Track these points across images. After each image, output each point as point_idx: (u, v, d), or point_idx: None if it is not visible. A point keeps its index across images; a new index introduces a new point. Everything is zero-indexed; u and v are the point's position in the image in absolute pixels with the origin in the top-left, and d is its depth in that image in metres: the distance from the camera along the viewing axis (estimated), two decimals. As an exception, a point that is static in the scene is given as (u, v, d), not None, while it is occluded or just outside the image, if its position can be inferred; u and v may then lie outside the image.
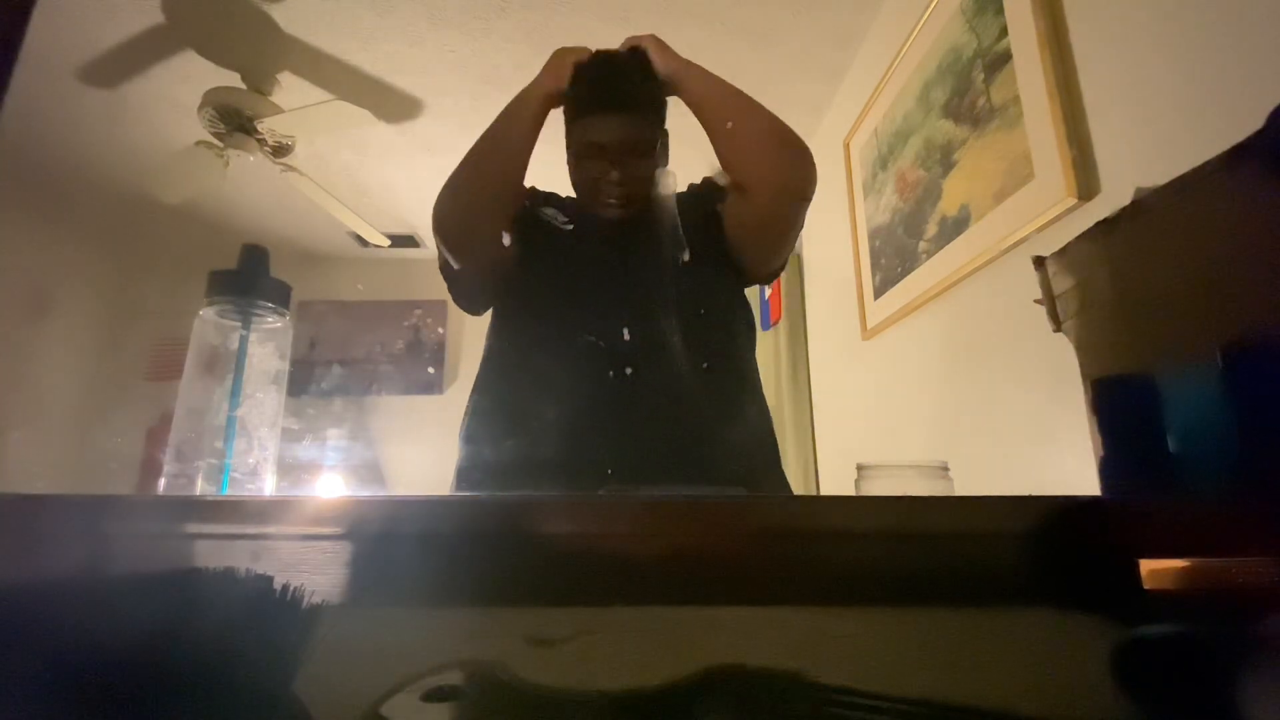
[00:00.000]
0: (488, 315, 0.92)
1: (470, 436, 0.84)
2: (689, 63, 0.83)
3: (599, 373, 0.80)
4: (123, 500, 0.41)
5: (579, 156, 0.84)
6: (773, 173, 0.82)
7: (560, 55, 0.84)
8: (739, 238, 0.87)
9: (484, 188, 0.82)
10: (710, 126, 0.82)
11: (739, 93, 0.83)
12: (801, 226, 0.87)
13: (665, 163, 0.89)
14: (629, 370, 0.80)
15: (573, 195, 0.91)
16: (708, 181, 0.96)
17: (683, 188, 0.95)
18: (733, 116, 0.81)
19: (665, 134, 0.88)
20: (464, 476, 0.83)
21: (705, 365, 0.82)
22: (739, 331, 0.90)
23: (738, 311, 0.91)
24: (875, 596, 0.38)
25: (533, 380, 0.83)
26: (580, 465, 0.76)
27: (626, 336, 0.81)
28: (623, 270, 0.86)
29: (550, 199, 0.92)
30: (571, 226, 0.88)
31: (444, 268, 0.86)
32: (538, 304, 0.86)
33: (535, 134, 0.82)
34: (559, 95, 0.82)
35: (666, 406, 0.79)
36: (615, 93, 0.81)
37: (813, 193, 0.84)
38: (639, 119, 0.83)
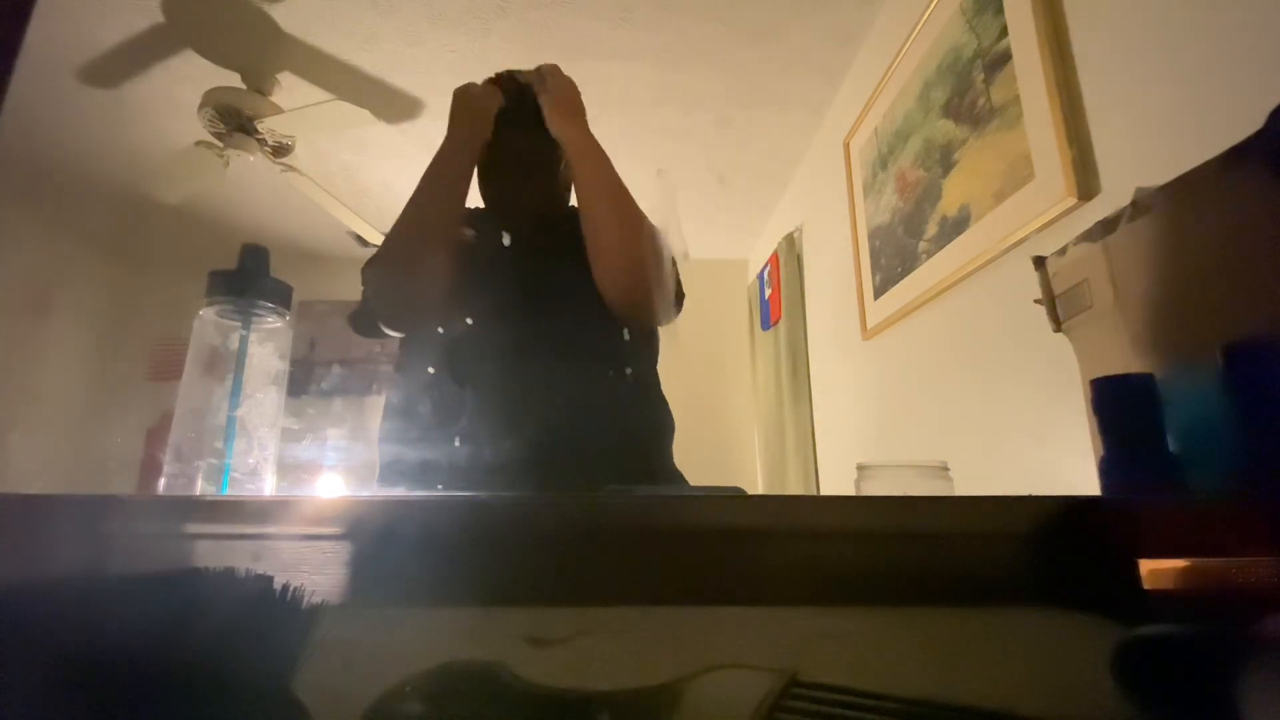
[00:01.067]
0: None
1: (386, 437, 0.86)
2: (575, 123, 0.83)
3: (500, 373, 0.81)
4: (123, 500, 0.41)
5: (491, 169, 0.87)
6: (621, 281, 0.80)
7: (475, 102, 0.84)
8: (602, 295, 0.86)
9: (430, 242, 0.82)
10: (577, 196, 0.82)
11: (613, 195, 0.81)
12: (665, 301, 0.86)
13: (568, 178, 0.91)
14: (528, 369, 0.81)
15: (476, 206, 0.92)
16: None
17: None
18: (599, 210, 0.81)
19: None
20: (384, 475, 0.85)
21: (600, 367, 0.84)
22: (636, 335, 0.90)
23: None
24: (875, 596, 0.38)
25: (444, 380, 0.84)
26: (487, 463, 0.77)
27: (526, 337, 0.82)
28: (525, 274, 0.87)
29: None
30: (473, 237, 0.89)
31: (378, 305, 0.86)
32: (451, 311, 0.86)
33: (469, 184, 0.84)
34: (486, 142, 0.84)
35: (563, 405, 0.81)
36: (526, 112, 0.84)
37: (652, 297, 0.82)
38: (548, 135, 0.84)
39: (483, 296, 0.85)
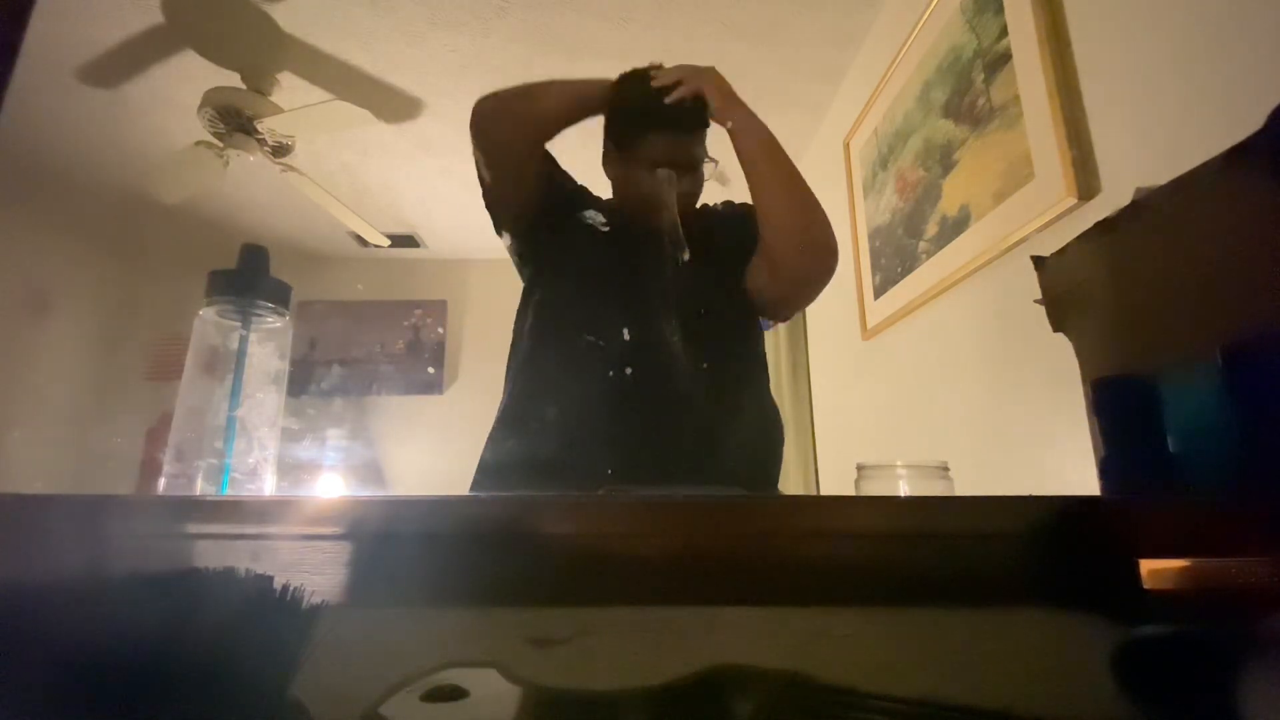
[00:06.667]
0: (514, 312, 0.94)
1: (497, 433, 0.86)
2: (746, 111, 0.86)
3: (606, 373, 0.81)
4: (123, 500, 0.41)
5: (637, 169, 0.87)
6: (800, 261, 0.85)
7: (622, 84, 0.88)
8: (756, 290, 0.90)
9: (517, 129, 0.86)
10: (751, 184, 0.85)
11: (785, 160, 0.85)
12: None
13: (704, 176, 0.92)
14: (629, 370, 0.81)
15: (600, 195, 0.94)
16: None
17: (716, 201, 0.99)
18: (774, 185, 0.84)
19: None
20: (489, 472, 0.84)
21: (708, 365, 0.84)
22: (749, 333, 0.92)
23: (749, 313, 0.93)
24: (875, 596, 0.38)
25: (548, 380, 0.85)
26: (583, 465, 0.77)
27: (626, 337, 0.82)
28: (646, 273, 0.88)
29: (589, 200, 0.94)
30: (608, 229, 0.91)
31: (479, 126, 0.88)
32: (563, 303, 0.88)
33: (564, 121, 0.86)
34: (595, 108, 0.87)
35: (667, 407, 0.80)
36: (682, 117, 0.85)
37: (828, 280, 0.87)
38: (698, 140, 0.88)
39: (620, 294, 0.86)
